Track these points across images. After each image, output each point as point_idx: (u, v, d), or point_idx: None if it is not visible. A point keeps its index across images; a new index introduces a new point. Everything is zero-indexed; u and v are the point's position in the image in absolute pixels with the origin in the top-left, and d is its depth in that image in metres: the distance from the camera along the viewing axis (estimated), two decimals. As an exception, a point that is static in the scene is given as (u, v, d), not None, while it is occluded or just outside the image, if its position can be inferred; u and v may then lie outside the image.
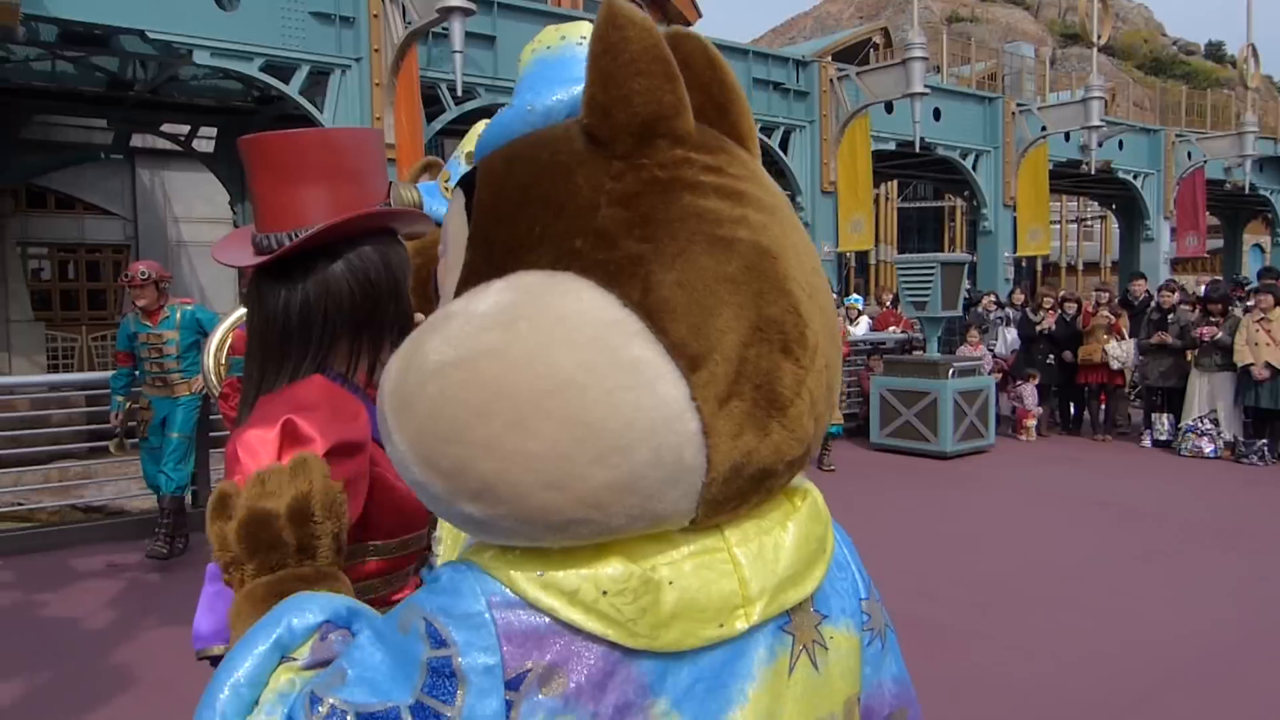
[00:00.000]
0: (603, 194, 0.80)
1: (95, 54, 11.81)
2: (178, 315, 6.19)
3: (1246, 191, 21.86)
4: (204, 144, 15.76)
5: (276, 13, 9.91)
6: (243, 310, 5.89)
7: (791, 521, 0.87)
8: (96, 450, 7.70)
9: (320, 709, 0.75)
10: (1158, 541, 6.83)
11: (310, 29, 10.08)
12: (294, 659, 0.84)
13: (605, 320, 0.76)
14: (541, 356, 0.74)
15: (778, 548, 0.85)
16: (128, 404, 6.35)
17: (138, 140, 17.70)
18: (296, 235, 1.34)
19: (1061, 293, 13.06)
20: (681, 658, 0.80)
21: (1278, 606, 5.44)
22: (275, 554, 0.98)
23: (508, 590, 0.77)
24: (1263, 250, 29.28)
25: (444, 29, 9.68)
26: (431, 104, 11.07)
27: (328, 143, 1.41)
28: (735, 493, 0.81)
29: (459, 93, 10.31)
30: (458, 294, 0.83)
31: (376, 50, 10.14)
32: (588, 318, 0.75)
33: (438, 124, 11.27)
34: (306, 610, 0.87)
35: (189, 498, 6.74)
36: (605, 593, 0.77)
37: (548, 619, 0.77)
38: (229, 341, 5.27)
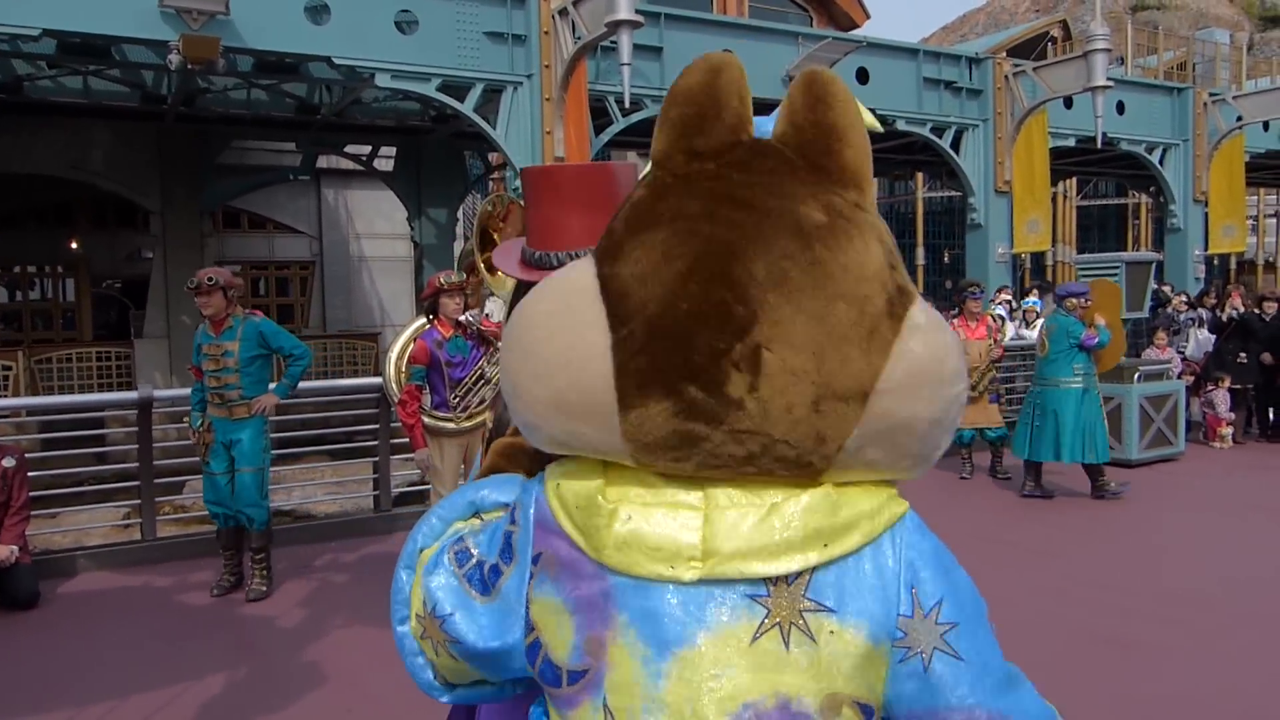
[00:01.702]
0: (629, 195, 1.08)
1: (286, 81, 12.67)
2: (240, 326, 5.57)
3: None
4: (384, 163, 16.65)
5: (452, 33, 10.37)
6: (422, 320, 6.10)
7: (785, 506, 0.97)
8: (283, 458, 7.97)
9: (462, 543, 1.15)
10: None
11: (484, 48, 10.49)
12: (480, 518, 1.19)
13: (578, 285, 1.03)
14: (531, 304, 1.06)
15: (757, 523, 0.96)
16: (204, 420, 5.66)
17: (323, 161, 18.87)
18: (574, 255, 1.41)
19: (1266, 290, 12.10)
20: (645, 587, 0.98)
21: None
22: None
23: (544, 493, 1.08)
24: None
25: (612, 42, 9.90)
26: (599, 116, 11.33)
27: (597, 175, 1.53)
28: (659, 443, 0.98)
29: (627, 104, 10.50)
30: None
31: (547, 66, 10.47)
32: (568, 282, 1.05)
33: (605, 136, 11.52)
34: (500, 490, 1.19)
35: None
36: (577, 506, 1.03)
37: (553, 517, 1.05)
38: (409, 350, 5.52)
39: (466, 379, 5.47)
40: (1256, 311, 10.86)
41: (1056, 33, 27.04)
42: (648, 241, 0.99)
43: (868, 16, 25.20)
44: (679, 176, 1.02)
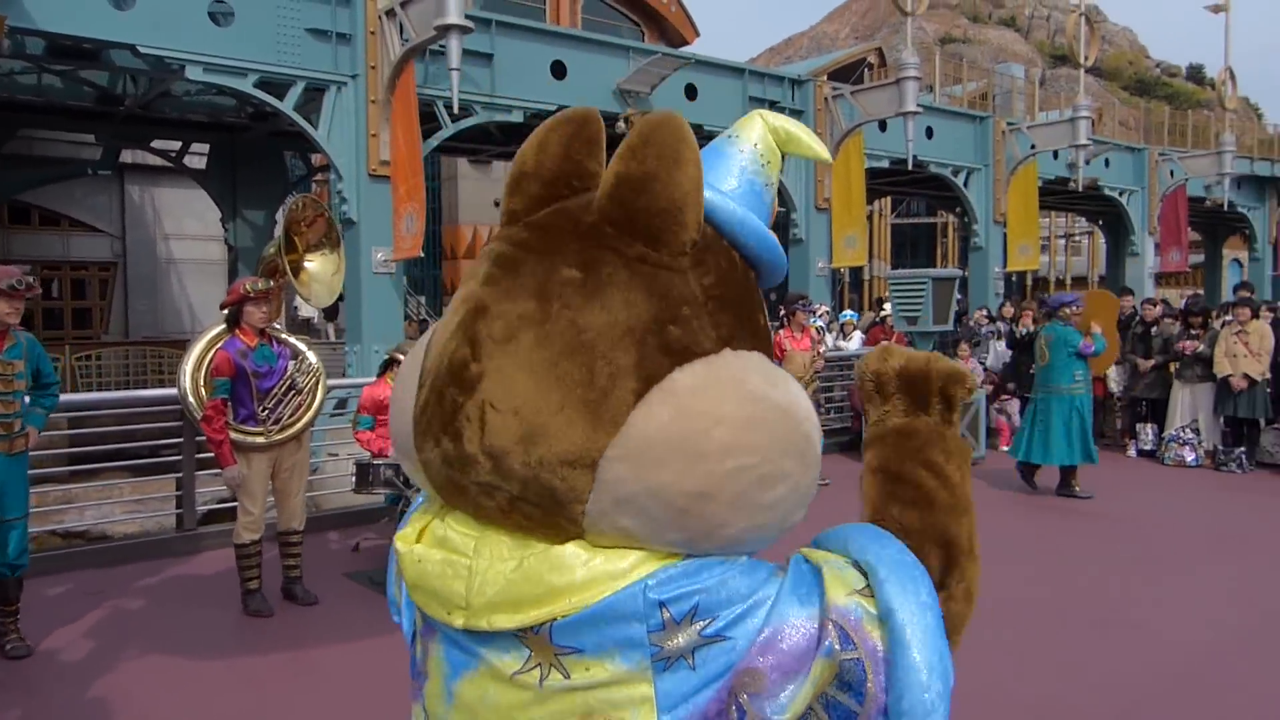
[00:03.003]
0: None
1: (84, 68, 11.79)
2: (25, 342, 4.64)
3: (1225, 208, 22.17)
4: (196, 160, 15.73)
5: (272, 28, 9.93)
6: (219, 329, 5.80)
7: (533, 562, 0.99)
8: (77, 474, 7.48)
9: None
10: (1148, 549, 6.86)
11: (306, 45, 10.10)
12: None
13: (421, 339, 1.15)
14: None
15: (497, 579, 0.99)
16: None
17: (127, 156, 17.66)
18: None
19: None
20: (445, 622, 1.05)
21: (1269, 609, 5.46)
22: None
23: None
24: (1241, 265, 29.57)
25: (441, 46, 9.73)
26: (428, 121, 11.09)
27: None
28: (443, 487, 1.06)
29: (455, 110, 10.34)
30: None
31: (373, 67, 10.18)
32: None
33: (434, 141, 11.30)
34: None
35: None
36: (400, 540, 1.12)
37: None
38: (210, 362, 5.23)
39: (275, 389, 5.22)
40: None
41: (873, 59, 28.52)
42: (453, 300, 1.10)
43: (698, 34, 25.81)
44: (494, 238, 1.10)
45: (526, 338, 0.98)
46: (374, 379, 6.79)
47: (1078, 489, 8.66)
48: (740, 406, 0.97)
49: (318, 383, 5.52)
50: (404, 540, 1.10)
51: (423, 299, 27.06)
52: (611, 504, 0.96)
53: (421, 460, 1.07)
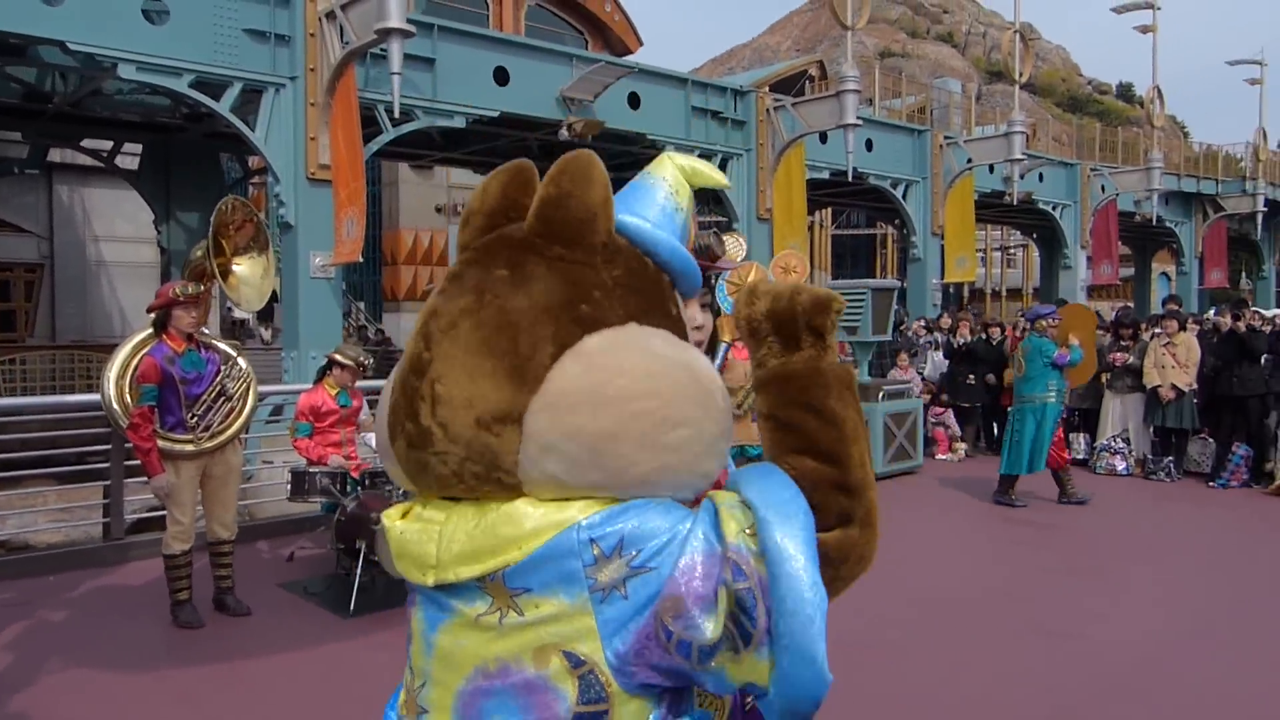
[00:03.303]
0: None
1: (10, 64, 11.43)
2: None
3: (1154, 223, 22.84)
4: (128, 160, 15.32)
5: (208, 28, 9.73)
6: (144, 334, 5.66)
7: (487, 518, 1.15)
8: (1, 482, 7.24)
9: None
10: (1081, 556, 7.02)
11: (243, 46, 9.92)
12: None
13: None
14: None
15: (461, 536, 1.16)
16: None
17: (56, 155, 17.15)
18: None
19: (988, 316, 13.39)
20: (421, 583, 1.20)
21: (1198, 613, 5.62)
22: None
23: None
24: (1169, 278, 30.53)
25: (382, 50, 9.62)
26: (368, 125, 10.96)
27: None
28: (410, 471, 1.22)
29: (396, 114, 10.22)
30: None
31: (313, 70, 10.03)
32: None
33: (374, 145, 11.16)
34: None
35: None
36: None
37: None
38: (135, 368, 5.09)
39: (204, 395, 5.10)
40: (983, 337, 11.99)
41: (814, 72, 28.86)
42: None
43: (641, 44, 25.90)
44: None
45: (465, 324, 1.19)
46: (311, 385, 6.68)
47: (1014, 498, 8.83)
48: (642, 360, 1.16)
49: (249, 389, 5.41)
50: (389, 517, 1.27)
51: (362, 304, 26.71)
52: (538, 451, 1.13)
53: (394, 452, 1.23)
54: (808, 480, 1.16)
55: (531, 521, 1.13)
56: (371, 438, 6.80)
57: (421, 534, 1.20)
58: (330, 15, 9.81)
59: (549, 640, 1.13)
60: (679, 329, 1.27)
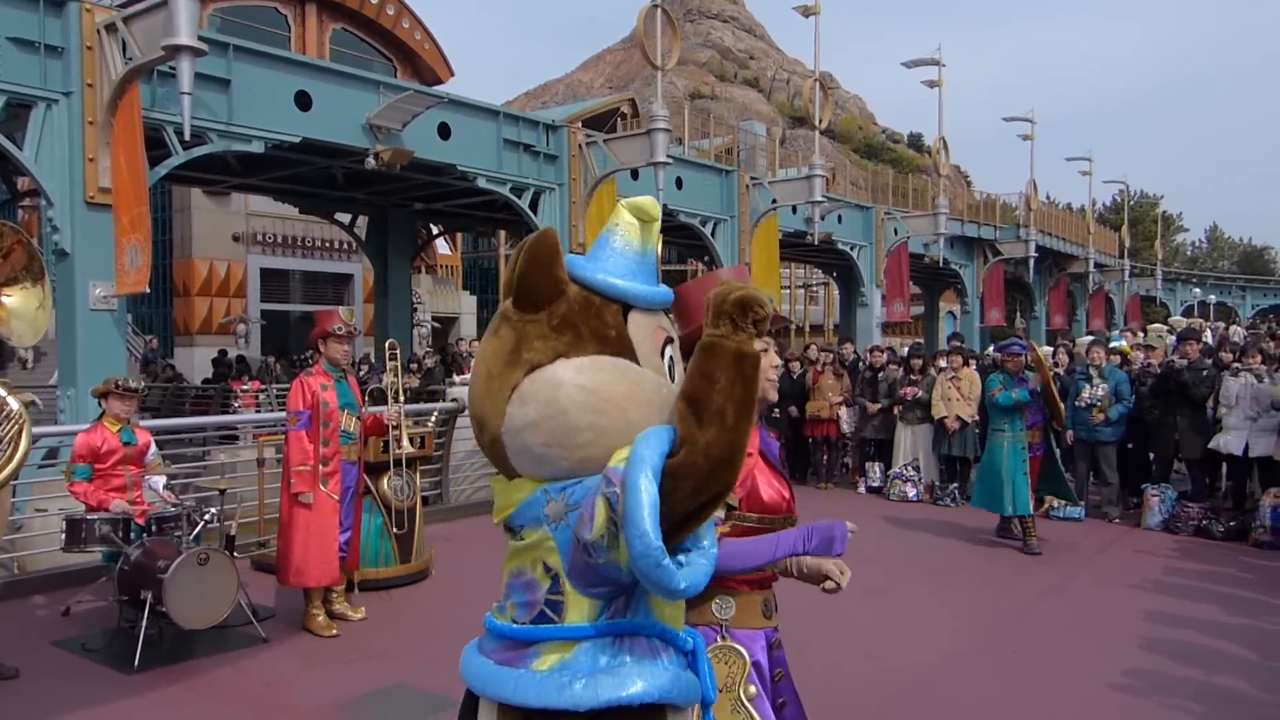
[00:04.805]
0: None
1: None
2: None
3: (941, 265, 24.55)
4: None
5: (-34, 35, 8.86)
6: None
7: (503, 488, 1.77)
8: None
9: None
10: (876, 579, 7.30)
11: (8, 55, 9.07)
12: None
13: None
14: None
15: (496, 498, 1.79)
16: None
17: None
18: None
19: (790, 352, 13.90)
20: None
21: (984, 631, 5.95)
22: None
23: None
24: (955, 316, 32.83)
25: (171, 68, 9.05)
26: (157, 146, 10.27)
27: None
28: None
29: (187, 136, 9.61)
30: None
31: (91, 85, 9.29)
32: None
33: (163, 169, 10.46)
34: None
35: None
36: None
37: None
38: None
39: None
40: (784, 370, 12.43)
41: (626, 109, 29.43)
42: None
43: (452, 74, 25.69)
44: None
45: (479, 370, 1.79)
46: (89, 425, 6.13)
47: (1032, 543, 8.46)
48: (551, 391, 1.64)
49: (20, 431, 4.89)
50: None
51: (151, 338, 24.98)
52: (515, 457, 1.70)
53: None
54: (676, 414, 1.53)
55: (522, 491, 1.72)
56: (158, 480, 6.29)
57: (495, 495, 1.80)
58: (111, 27, 9.15)
59: (535, 555, 1.70)
60: (616, 344, 1.68)
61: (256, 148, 11.25)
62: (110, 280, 9.61)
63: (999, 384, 8.51)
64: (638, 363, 1.68)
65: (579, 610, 1.64)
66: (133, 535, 5.72)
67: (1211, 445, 9.29)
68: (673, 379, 1.76)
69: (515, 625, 1.72)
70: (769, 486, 2.42)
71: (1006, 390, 8.38)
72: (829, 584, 2.41)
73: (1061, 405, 8.35)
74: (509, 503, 1.73)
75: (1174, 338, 13.89)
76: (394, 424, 6.77)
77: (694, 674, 1.74)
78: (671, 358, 1.77)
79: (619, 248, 1.75)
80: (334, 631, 5.84)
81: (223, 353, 21.70)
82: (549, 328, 1.66)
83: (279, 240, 26.47)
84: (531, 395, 1.64)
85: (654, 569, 1.45)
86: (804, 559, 2.40)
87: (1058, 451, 9.22)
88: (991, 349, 10.71)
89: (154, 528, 5.76)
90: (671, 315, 1.91)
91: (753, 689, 2.32)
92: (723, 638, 2.34)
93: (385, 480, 6.96)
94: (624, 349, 1.69)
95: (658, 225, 1.78)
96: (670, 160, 14.65)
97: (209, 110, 10.53)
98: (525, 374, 1.65)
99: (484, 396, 1.72)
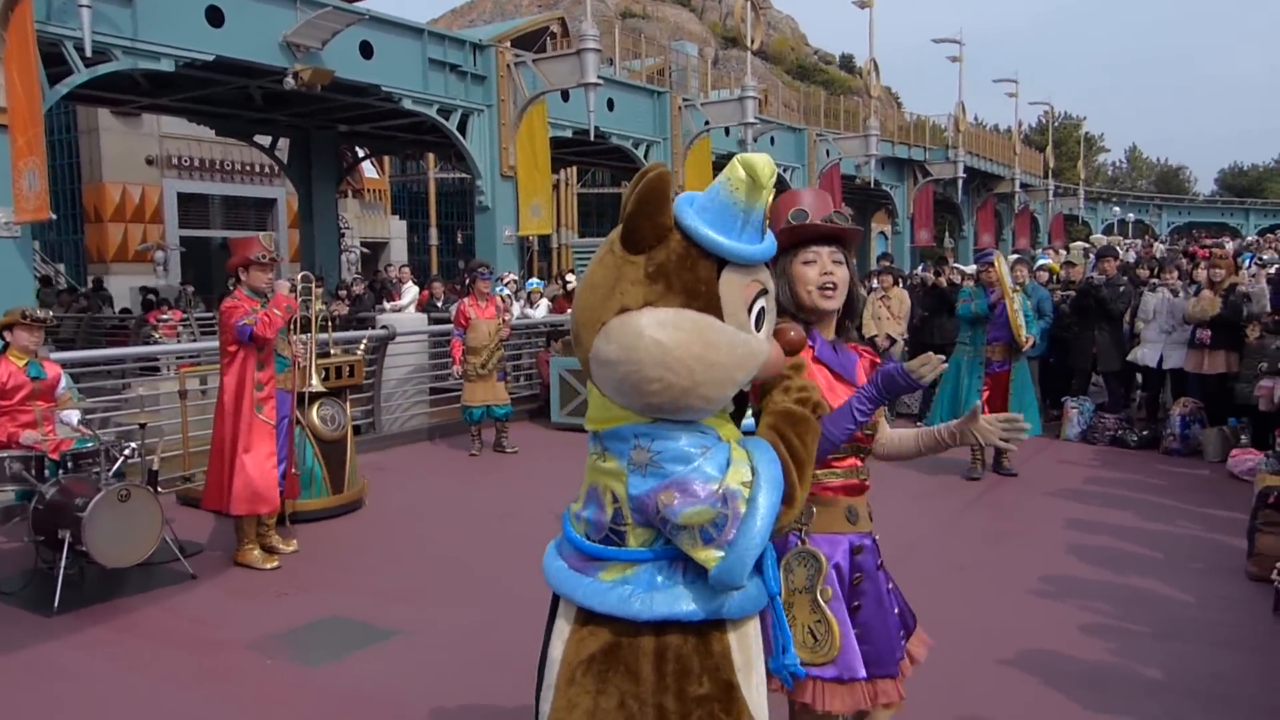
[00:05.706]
0: None
1: None
2: None
3: (872, 186, 24.72)
4: None
5: None
6: None
7: (600, 400, 1.87)
8: None
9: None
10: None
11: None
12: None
13: None
14: None
15: (591, 408, 1.92)
16: None
17: None
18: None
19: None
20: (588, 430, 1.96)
21: (909, 544, 6.11)
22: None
23: None
24: (886, 237, 33.19)
25: (66, -23, 8.52)
26: (56, 63, 9.71)
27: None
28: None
29: (88, 53, 9.11)
30: None
31: (-23, -5, 8.72)
32: None
33: (63, 87, 9.92)
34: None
35: None
36: None
37: None
38: None
39: None
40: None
41: (556, 29, 28.67)
42: None
43: (374, -10, 24.68)
44: None
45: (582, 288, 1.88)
46: None
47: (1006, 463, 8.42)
48: (630, 339, 1.72)
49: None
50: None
51: (61, 266, 24.02)
52: (595, 378, 1.82)
53: None
54: (783, 466, 1.80)
55: (614, 413, 1.84)
56: (72, 415, 6.06)
57: (590, 402, 1.92)
58: (0, -65, 8.56)
59: (609, 481, 1.85)
60: (704, 300, 1.74)
61: (166, 66, 10.74)
62: (9, 206, 9.16)
63: (968, 294, 8.30)
64: (722, 318, 1.75)
65: (638, 538, 1.84)
66: (47, 473, 5.53)
67: (1130, 357, 9.60)
68: (759, 329, 1.83)
69: (586, 541, 1.91)
70: (830, 394, 2.43)
71: (969, 303, 8.17)
72: (1002, 440, 2.44)
73: (1021, 323, 8.07)
74: (604, 418, 1.86)
75: (1093, 255, 14.20)
76: (301, 360, 6.57)
77: (759, 579, 1.90)
78: (762, 308, 1.82)
79: (726, 202, 1.77)
80: (275, 564, 5.73)
81: (145, 290, 20.81)
82: (644, 273, 1.74)
83: (196, 164, 25.44)
84: (616, 336, 1.74)
85: (729, 585, 1.77)
86: (942, 430, 2.59)
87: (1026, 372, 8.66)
88: (919, 268, 10.76)
89: (70, 464, 5.57)
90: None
91: (830, 591, 2.39)
92: (802, 541, 2.41)
93: (315, 410, 6.84)
94: (710, 305, 1.76)
95: (769, 190, 1.77)
96: (601, 81, 14.37)
97: (112, 25, 9.98)
98: (615, 314, 1.74)
99: (581, 321, 1.81)
